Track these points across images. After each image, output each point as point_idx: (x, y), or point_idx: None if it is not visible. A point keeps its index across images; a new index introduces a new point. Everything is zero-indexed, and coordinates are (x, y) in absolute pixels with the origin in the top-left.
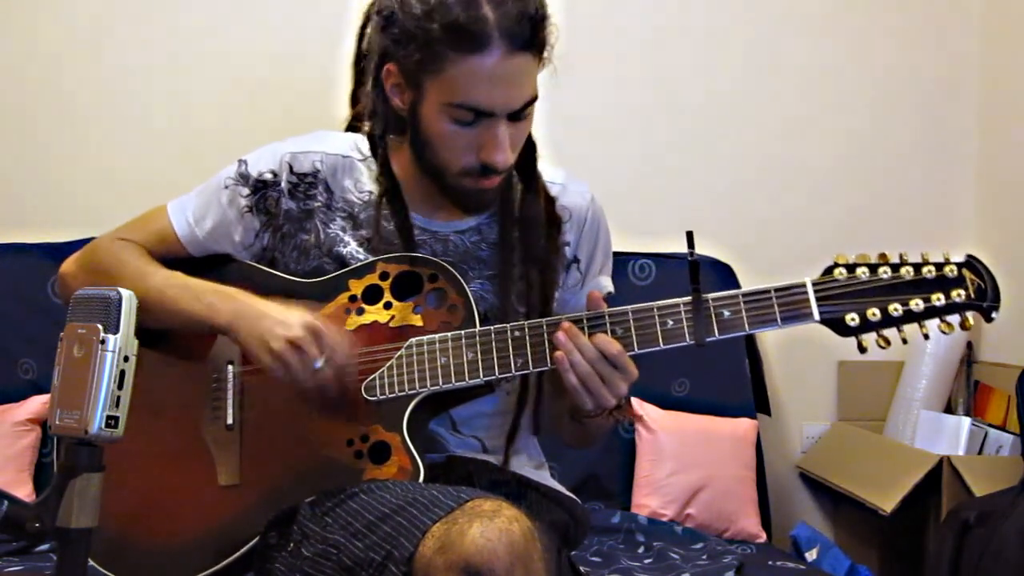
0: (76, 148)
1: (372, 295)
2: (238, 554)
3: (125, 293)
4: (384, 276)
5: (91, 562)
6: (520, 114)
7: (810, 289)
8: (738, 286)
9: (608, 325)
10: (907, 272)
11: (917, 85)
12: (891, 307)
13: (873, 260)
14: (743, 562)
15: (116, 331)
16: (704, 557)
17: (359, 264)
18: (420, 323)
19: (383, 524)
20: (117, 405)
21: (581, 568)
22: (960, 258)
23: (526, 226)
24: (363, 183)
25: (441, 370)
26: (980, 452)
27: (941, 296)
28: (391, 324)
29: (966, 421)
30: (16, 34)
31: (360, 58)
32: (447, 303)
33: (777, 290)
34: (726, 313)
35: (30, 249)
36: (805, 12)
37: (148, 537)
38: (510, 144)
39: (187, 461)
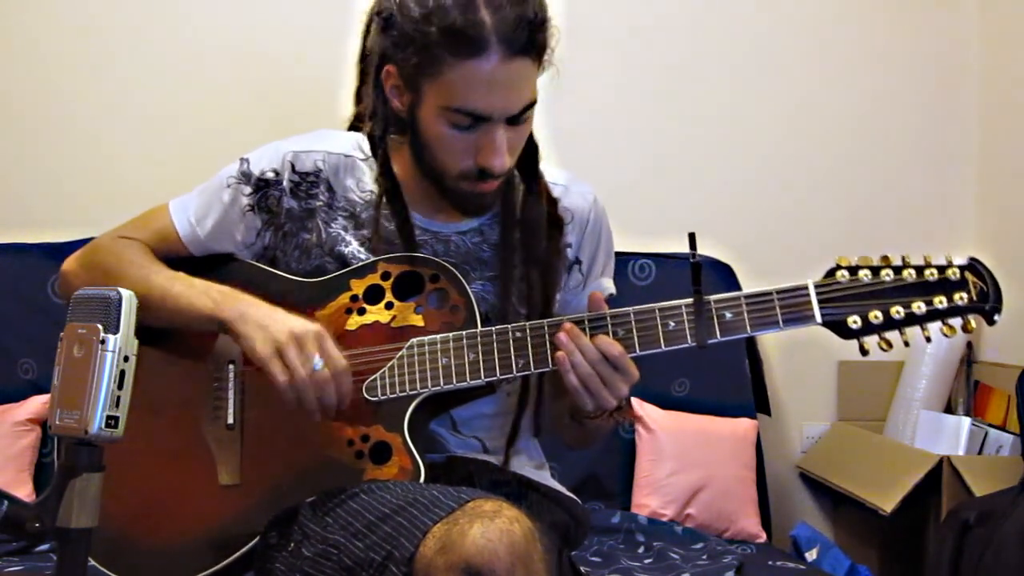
0: (76, 148)
1: (373, 295)
2: (238, 554)
3: (125, 293)
4: (386, 276)
5: (92, 561)
6: (519, 118)
7: (812, 291)
8: (738, 286)
9: (610, 326)
10: (909, 275)
11: (918, 85)
12: (893, 310)
13: (875, 262)
14: (743, 562)
15: (116, 331)
16: (704, 557)
17: (361, 264)
18: (421, 323)
19: (384, 524)
20: (117, 405)
21: (581, 568)
22: (962, 260)
23: (527, 227)
24: (365, 183)
25: (442, 370)
26: (980, 452)
27: (943, 299)
28: (392, 324)
29: (966, 421)
30: (16, 34)
31: (364, 56)
32: (449, 303)
33: (779, 292)
34: (728, 315)
35: (30, 249)
36: (806, 13)
37: (148, 536)
38: (509, 148)
39: (188, 460)
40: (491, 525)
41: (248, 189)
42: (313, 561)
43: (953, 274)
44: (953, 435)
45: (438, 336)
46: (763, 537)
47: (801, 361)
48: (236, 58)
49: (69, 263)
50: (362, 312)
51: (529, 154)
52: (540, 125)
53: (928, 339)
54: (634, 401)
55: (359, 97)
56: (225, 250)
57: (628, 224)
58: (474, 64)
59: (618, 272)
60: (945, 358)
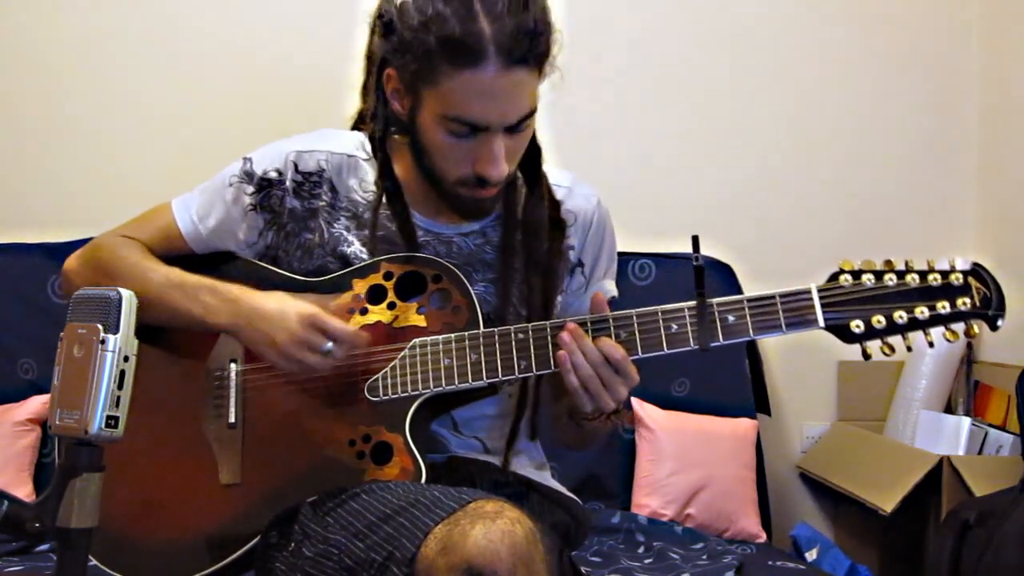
0: (77, 148)
1: (376, 295)
2: (239, 553)
3: (125, 293)
4: (388, 276)
5: (93, 560)
6: (517, 127)
7: (815, 295)
8: (738, 287)
9: (612, 328)
10: (912, 279)
11: (918, 85)
12: (896, 314)
13: (878, 267)
14: (743, 562)
15: (116, 331)
16: (704, 557)
17: (363, 264)
18: (423, 324)
19: (385, 525)
20: (117, 405)
21: (582, 568)
22: (966, 266)
23: (529, 230)
24: (368, 183)
25: (444, 371)
26: (980, 452)
27: (946, 304)
28: (394, 324)
29: (966, 421)
30: (17, 34)
31: (370, 54)
32: (451, 304)
33: (782, 296)
34: (731, 318)
35: (30, 249)
36: (806, 14)
37: (149, 535)
38: (508, 155)
39: (188, 459)
40: (493, 526)
41: (251, 188)
42: (314, 561)
43: (956, 279)
44: (953, 435)
45: (440, 337)
46: (763, 537)
47: (801, 361)
48: (238, 57)
49: (71, 262)
50: (364, 312)
51: (532, 156)
52: (542, 126)
53: (931, 344)
54: (634, 401)
55: (365, 92)
56: (227, 248)
57: (628, 224)
58: (472, 74)
59: (618, 272)
60: (945, 358)
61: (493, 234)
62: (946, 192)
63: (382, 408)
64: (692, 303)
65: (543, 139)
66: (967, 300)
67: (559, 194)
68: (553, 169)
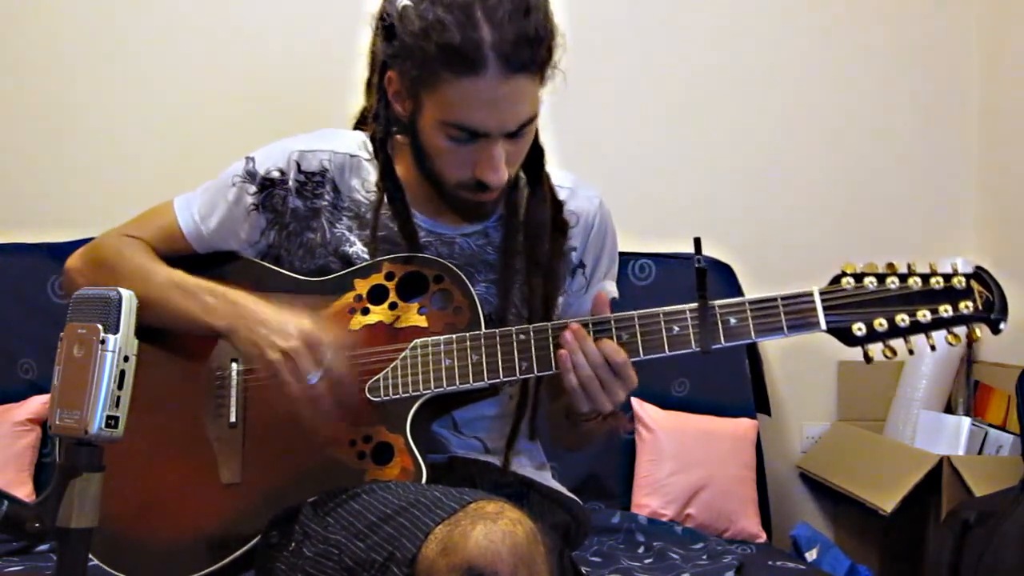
0: (76, 148)
1: (377, 295)
2: (239, 553)
3: (125, 293)
4: (390, 276)
5: (94, 560)
6: (517, 133)
7: (817, 298)
8: (739, 287)
9: (614, 330)
10: (915, 283)
11: (918, 85)
12: (898, 318)
13: (881, 270)
14: (743, 562)
15: (116, 331)
16: (704, 557)
17: (365, 264)
18: (425, 324)
19: (385, 525)
20: (117, 405)
21: (582, 568)
22: (968, 269)
23: (531, 231)
24: (370, 182)
25: (446, 372)
26: (980, 452)
27: (948, 308)
28: (396, 324)
29: (966, 421)
30: (18, 35)
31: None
32: (452, 305)
33: (784, 298)
34: (732, 321)
35: (30, 249)
36: (806, 14)
37: (150, 535)
38: (508, 160)
39: (189, 459)
40: (494, 527)
41: (253, 188)
42: (314, 561)
43: (959, 283)
44: (953, 435)
45: (441, 337)
46: (763, 537)
47: (801, 361)
48: (239, 57)
49: (73, 260)
50: (366, 312)
51: (534, 157)
52: (543, 127)
53: (933, 348)
54: (634, 401)
55: (369, 89)
56: (229, 248)
57: (628, 224)
58: (472, 82)
59: (618, 272)
60: (945, 358)
61: (495, 235)
62: (946, 192)
63: (383, 408)
64: (694, 305)
65: (546, 139)
66: (969, 304)
67: (561, 195)
68: (555, 170)
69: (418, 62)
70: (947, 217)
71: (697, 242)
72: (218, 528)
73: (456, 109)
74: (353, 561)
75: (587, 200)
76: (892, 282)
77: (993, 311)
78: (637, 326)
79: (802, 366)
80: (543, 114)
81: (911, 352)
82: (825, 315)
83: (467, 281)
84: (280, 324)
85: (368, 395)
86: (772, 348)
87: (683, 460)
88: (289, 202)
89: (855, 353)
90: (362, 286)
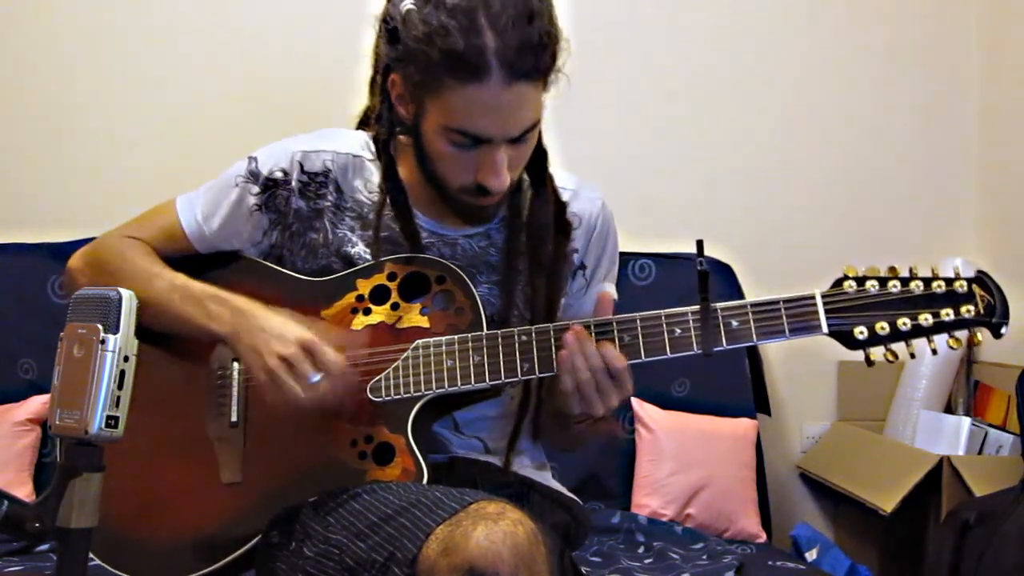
0: (77, 148)
1: (379, 295)
2: (239, 552)
3: (125, 293)
4: (392, 276)
5: (94, 559)
6: (520, 138)
7: (819, 301)
8: (739, 287)
9: (615, 332)
10: (916, 286)
11: (918, 85)
12: (900, 321)
13: (883, 273)
14: (743, 562)
15: (116, 331)
16: (704, 557)
17: (367, 264)
18: (427, 325)
19: (386, 525)
20: (117, 405)
21: (582, 568)
22: (970, 273)
23: (534, 232)
24: (373, 183)
25: (447, 373)
26: (980, 452)
27: (950, 311)
28: (397, 325)
29: (966, 421)
30: (18, 33)
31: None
32: (454, 305)
33: (786, 301)
34: (734, 323)
35: (30, 249)
36: (806, 15)
37: (150, 533)
38: (510, 165)
39: (190, 458)
40: (495, 527)
41: (256, 188)
42: (315, 561)
43: (960, 287)
44: (953, 435)
45: (443, 338)
46: (763, 537)
47: (801, 361)
48: (239, 57)
49: (75, 260)
50: (367, 312)
51: (538, 159)
52: (546, 128)
53: (934, 352)
54: (634, 401)
55: (373, 88)
56: (231, 248)
57: (628, 224)
58: (475, 88)
59: (619, 272)
60: (945, 358)
61: (497, 236)
62: (946, 192)
63: (384, 408)
64: (696, 307)
65: (547, 141)
66: (971, 308)
67: (564, 196)
68: (559, 171)
69: (421, 67)
70: (947, 217)
71: (699, 244)
72: (219, 527)
73: (459, 115)
74: (354, 561)
75: (590, 201)
76: (894, 286)
77: (994, 315)
78: (639, 328)
79: (802, 366)
80: (545, 115)
81: (912, 356)
82: (827, 318)
83: (469, 282)
84: (280, 331)
85: (369, 395)
86: (772, 348)
87: (683, 460)
88: (292, 202)
89: (856, 353)
90: (364, 286)
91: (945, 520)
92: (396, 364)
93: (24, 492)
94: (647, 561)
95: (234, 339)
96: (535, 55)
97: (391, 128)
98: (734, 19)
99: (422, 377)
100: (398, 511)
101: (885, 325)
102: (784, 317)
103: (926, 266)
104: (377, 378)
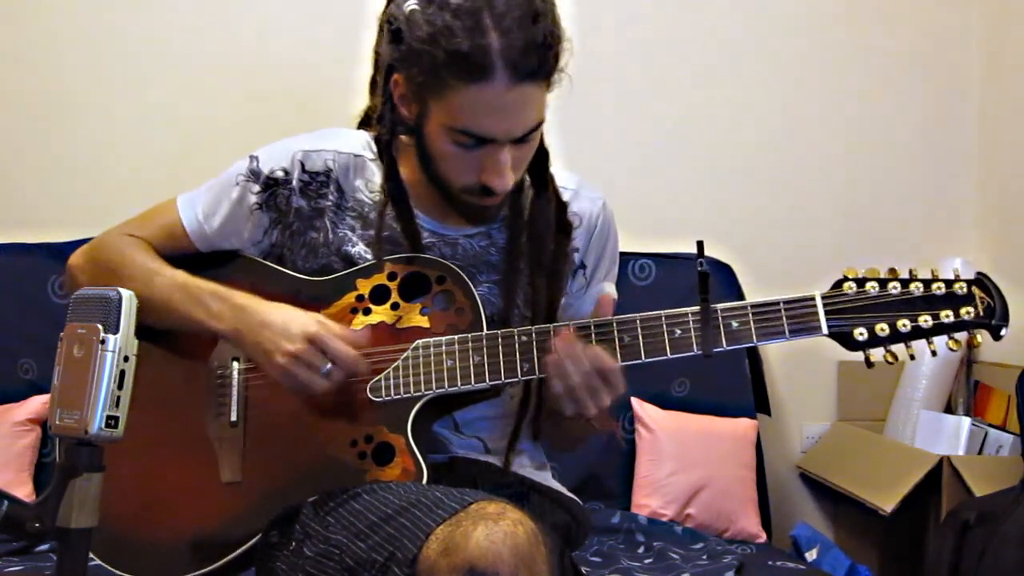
0: (77, 148)
1: (379, 295)
2: (239, 551)
3: (125, 293)
4: (392, 276)
5: (94, 559)
6: (524, 138)
7: (819, 303)
8: (739, 287)
9: (616, 332)
10: (916, 288)
11: (918, 85)
12: (900, 323)
13: (883, 275)
14: (743, 562)
15: (116, 331)
16: (704, 557)
17: (367, 264)
18: (427, 325)
19: (386, 525)
20: (117, 405)
21: (582, 568)
22: (969, 275)
23: (535, 232)
24: (374, 183)
25: (447, 373)
26: (980, 452)
27: (950, 313)
28: (397, 325)
29: (966, 421)
30: (18, 33)
31: (380, 45)
32: (454, 306)
33: (786, 303)
34: (734, 324)
35: (30, 249)
36: (806, 15)
37: (150, 533)
38: (514, 165)
39: (190, 458)
40: (495, 527)
41: (257, 187)
42: (315, 561)
43: (960, 288)
44: (953, 435)
45: (443, 338)
46: (763, 537)
47: (801, 361)
48: (240, 56)
49: (75, 258)
50: (367, 312)
51: (539, 160)
52: (547, 128)
53: (934, 353)
54: (634, 401)
55: (373, 88)
56: (232, 247)
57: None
58: (480, 89)
59: (619, 272)
60: (945, 358)
61: (498, 236)
62: (946, 192)
63: (384, 409)
64: (696, 308)
65: (548, 141)
66: (971, 309)
67: (565, 196)
68: (560, 171)
69: (425, 68)
70: (947, 217)
71: (700, 245)
72: (219, 527)
73: (463, 115)
74: (354, 561)
75: (590, 201)
76: (894, 287)
77: (994, 317)
78: (639, 329)
79: (802, 366)
80: (547, 115)
81: (912, 357)
82: (827, 320)
83: (469, 282)
84: (283, 326)
85: (370, 395)
86: (772, 348)
87: (683, 460)
88: (293, 202)
89: (855, 353)
90: (364, 286)
91: (945, 520)
92: (396, 364)
93: (24, 492)
94: (647, 561)
95: (237, 336)
96: (539, 55)
97: (393, 128)
98: (734, 20)
99: (422, 377)
100: (398, 511)
101: (885, 327)
102: (784, 318)
103: (926, 267)
104: (377, 378)
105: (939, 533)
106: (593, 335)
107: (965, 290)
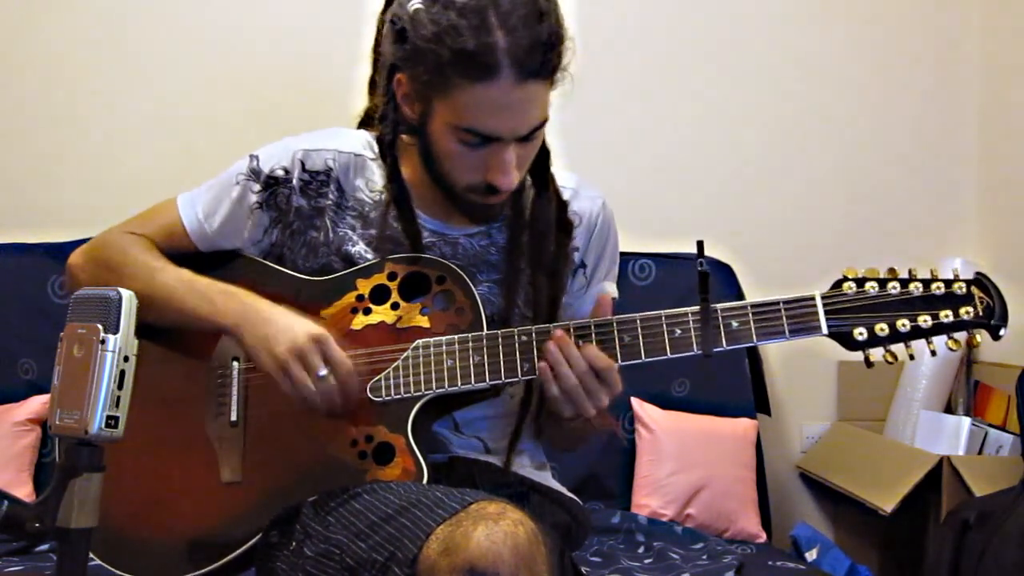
0: (77, 148)
1: (379, 295)
2: (239, 551)
3: (125, 293)
4: (392, 276)
5: (94, 559)
6: (529, 137)
7: (819, 302)
8: (739, 287)
9: (616, 332)
10: (916, 288)
11: (918, 85)
12: (899, 323)
13: (882, 275)
14: (743, 562)
15: (116, 331)
16: (704, 557)
17: (367, 263)
18: (427, 325)
19: (386, 525)
20: (117, 405)
21: (582, 568)
22: (969, 275)
23: (536, 232)
24: (375, 182)
25: (447, 372)
26: (980, 452)
27: (949, 313)
28: (398, 325)
29: (966, 421)
30: (18, 32)
31: (379, 45)
32: (454, 305)
33: (786, 302)
34: (734, 324)
35: (30, 249)
36: (807, 14)
37: (150, 533)
38: (518, 163)
39: (190, 457)
40: (495, 527)
41: (257, 187)
42: (315, 560)
43: (959, 288)
44: (953, 435)
45: (444, 338)
46: (763, 537)
47: (801, 361)
48: (240, 56)
49: (75, 256)
50: (367, 312)
51: (540, 159)
52: (547, 127)
53: (933, 353)
54: (634, 401)
55: (372, 88)
56: (232, 246)
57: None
58: (485, 87)
59: (619, 272)
60: (945, 358)
61: (498, 235)
62: (946, 192)
63: (384, 408)
64: (696, 308)
65: (549, 139)
66: (970, 309)
67: (565, 195)
68: (559, 170)
69: (430, 67)
70: (947, 217)
71: (700, 245)
72: (219, 527)
73: (469, 114)
74: (354, 561)
75: (590, 200)
76: (893, 287)
77: (993, 317)
78: (639, 328)
79: (802, 366)
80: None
81: (912, 357)
82: (827, 320)
83: (469, 282)
84: (287, 324)
85: (370, 395)
86: (772, 348)
87: (683, 460)
88: (293, 201)
89: (856, 353)
90: (364, 286)
91: (945, 520)
92: (396, 364)
93: (24, 492)
94: (647, 561)
95: (240, 331)
96: (545, 54)
97: (396, 128)
98: (734, 20)
99: (422, 377)
100: (398, 511)
101: (884, 326)
102: (784, 318)
103: (926, 266)
104: (377, 378)
105: (939, 533)
106: (593, 335)
107: (964, 290)
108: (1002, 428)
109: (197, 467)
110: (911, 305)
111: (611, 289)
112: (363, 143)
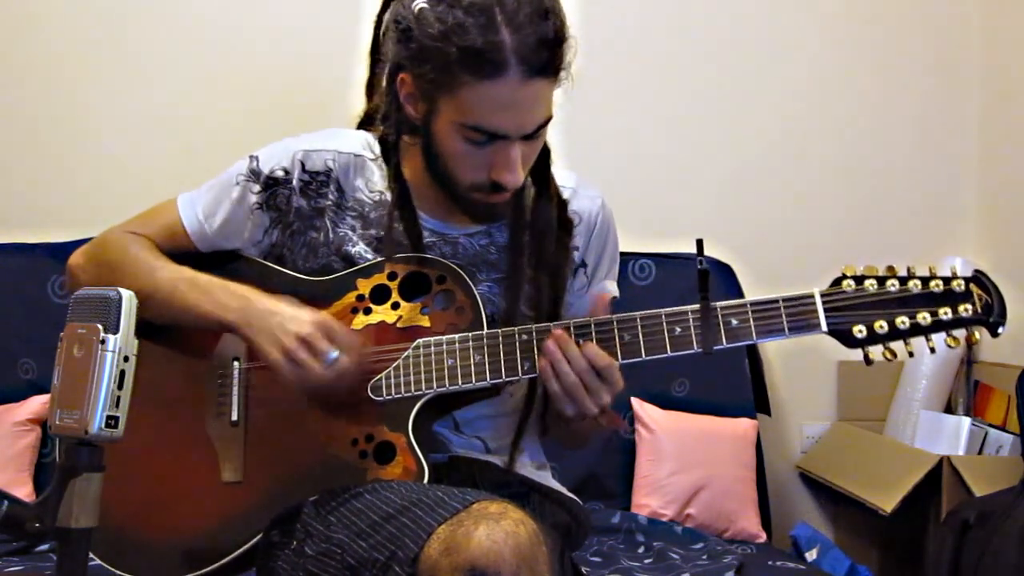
0: (77, 148)
1: (380, 295)
2: (240, 551)
3: (125, 293)
4: (392, 276)
5: (94, 559)
6: (534, 135)
7: (818, 300)
8: (739, 287)
9: (616, 331)
10: (915, 285)
11: (918, 85)
12: (898, 320)
13: (881, 272)
14: (743, 562)
15: (116, 331)
16: (704, 557)
17: (368, 263)
18: (427, 324)
19: (387, 524)
20: (117, 405)
21: (582, 568)
22: (968, 272)
23: (538, 231)
24: (375, 182)
25: (448, 372)
26: (980, 452)
27: (948, 310)
28: (398, 324)
29: (966, 421)
30: (18, 32)
31: (377, 46)
32: (455, 305)
33: (785, 300)
34: (734, 322)
35: (31, 249)
36: (807, 15)
37: (150, 533)
38: (522, 162)
39: (190, 457)
40: (496, 527)
41: (257, 187)
42: (316, 560)
43: (958, 286)
44: (953, 435)
45: (444, 337)
46: (763, 537)
47: (801, 361)
48: (240, 56)
49: (76, 256)
50: (368, 312)
51: (541, 158)
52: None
53: (932, 350)
54: (634, 401)
55: (370, 90)
56: (232, 247)
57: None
58: (492, 85)
59: (619, 272)
60: (945, 358)
61: (498, 234)
62: (946, 192)
63: (385, 408)
64: (695, 306)
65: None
66: (968, 307)
67: (564, 195)
68: (559, 170)
69: (437, 65)
70: (947, 217)
71: (699, 244)
72: (219, 527)
73: (475, 112)
74: (355, 560)
75: (589, 200)
76: (892, 285)
77: (992, 314)
78: (639, 327)
79: (802, 366)
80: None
81: (911, 355)
82: (826, 317)
83: (469, 281)
84: (292, 314)
85: (370, 394)
86: (772, 348)
87: (683, 460)
88: (293, 201)
89: (855, 353)
90: (364, 286)
91: (945, 520)
92: (397, 363)
93: (24, 492)
94: (647, 561)
95: (244, 324)
96: (550, 51)
97: (399, 128)
98: (735, 20)
99: (423, 376)
100: (400, 510)
101: (884, 324)
102: (784, 316)
103: (925, 266)
104: (378, 377)
105: (939, 533)
106: (593, 333)
107: (963, 287)
108: (1002, 428)
109: (198, 467)
110: (910, 302)
111: (612, 288)
112: (363, 143)
